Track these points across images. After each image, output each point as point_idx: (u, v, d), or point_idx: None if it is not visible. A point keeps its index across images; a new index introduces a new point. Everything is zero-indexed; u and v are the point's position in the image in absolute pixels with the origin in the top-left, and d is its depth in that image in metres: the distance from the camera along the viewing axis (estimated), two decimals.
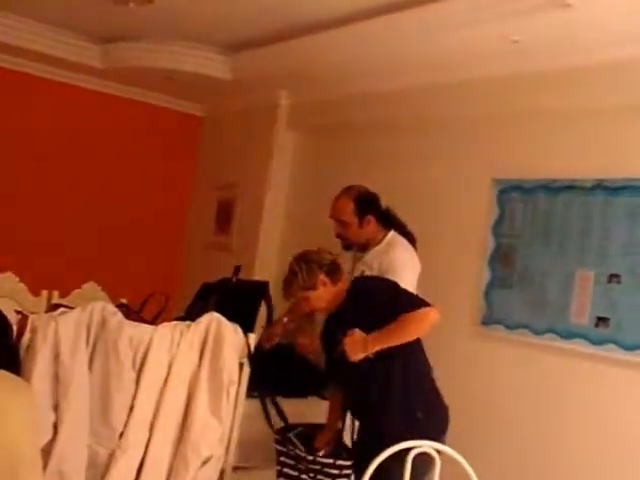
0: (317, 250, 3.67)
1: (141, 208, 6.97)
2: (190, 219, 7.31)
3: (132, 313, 3.80)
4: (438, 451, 2.91)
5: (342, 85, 5.63)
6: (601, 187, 4.25)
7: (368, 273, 4.04)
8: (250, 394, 3.88)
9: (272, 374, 4.04)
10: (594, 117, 4.32)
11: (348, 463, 3.57)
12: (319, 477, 3.53)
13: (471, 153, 4.96)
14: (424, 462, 2.90)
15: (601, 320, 4.14)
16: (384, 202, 4.30)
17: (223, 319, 3.73)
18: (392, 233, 4.21)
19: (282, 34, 5.25)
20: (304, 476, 3.56)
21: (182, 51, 5.90)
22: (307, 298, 3.59)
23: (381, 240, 4.21)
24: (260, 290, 4.42)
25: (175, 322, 3.71)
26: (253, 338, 3.83)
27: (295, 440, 3.68)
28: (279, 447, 3.70)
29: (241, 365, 3.77)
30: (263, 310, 4.38)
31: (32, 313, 3.52)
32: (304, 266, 3.57)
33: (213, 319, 3.71)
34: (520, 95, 4.62)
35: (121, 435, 3.48)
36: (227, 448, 3.77)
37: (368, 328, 3.40)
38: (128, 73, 6.35)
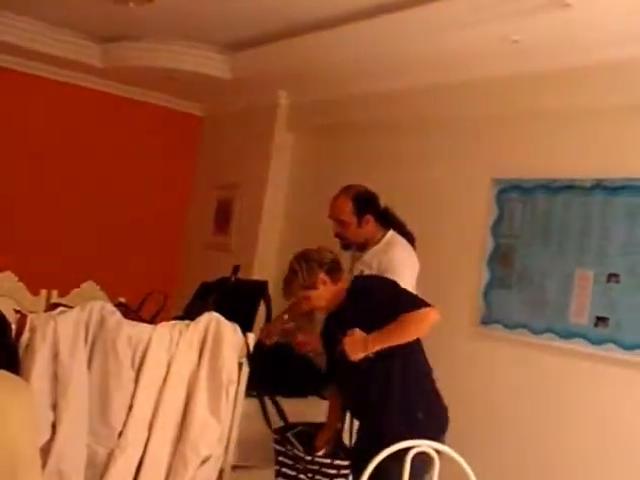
0: (317, 249, 3.67)
1: (140, 207, 6.97)
2: (189, 219, 7.31)
3: (131, 312, 3.80)
4: (437, 451, 2.91)
5: (342, 85, 5.63)
6: (600, 187, 4.25)
7: (367, 272, 4.04)
8: (249, 393, 3.88)
9: (272, 374, 4.04)
10: (593, 117, 4.32)
11: (346, 463, 3.57)
12: (317, 477, 3.53)
13: (471, 153, 4.96)
14: (423, 462, 2.90)
15: (600, 320, 4.13)
16: (384, 202, 4.29)
17: (222, 318, 3.73)
18: (391, 232, 4.21)
19: (282, 33, 5.25)
20: (302, 476, 3.55)
21: (182, 50, 5.89)
22: (307, 297, 3.59)
23: (380, 240, 4.21)
24: (259, 289, 4.42)
25: (174, 321, 3.71)
26: (252, 338, 3.83)
27: (293, 440, 3.68)
28: (277, 447, 3.69)
29: (240, 364, 3.77)
30: (262, 310, 4.38)
31: (31, 312, 3.52)
32: (304, 265, 3.57)
33: (212, 318, 3.71)
34: (520, 95, 4.62)
35: (120, 434, 3.48)
36: (226, 447, 3.77)
37: (368, 327, 3.40)
38: (128, 72, 6.34)
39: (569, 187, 4.39)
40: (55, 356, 3.37)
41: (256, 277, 5.60)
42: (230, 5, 4.95)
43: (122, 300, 4.14)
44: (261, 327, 4.31)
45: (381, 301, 3.51)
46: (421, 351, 3.59)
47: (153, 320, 3.79)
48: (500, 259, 4.68)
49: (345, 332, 3.43)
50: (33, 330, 3.37)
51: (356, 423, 3.77)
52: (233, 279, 4.49)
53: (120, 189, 6.89)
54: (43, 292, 4.66)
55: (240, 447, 3.83)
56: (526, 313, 4.48)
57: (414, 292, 3.75)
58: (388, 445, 2.83)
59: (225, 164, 6.92)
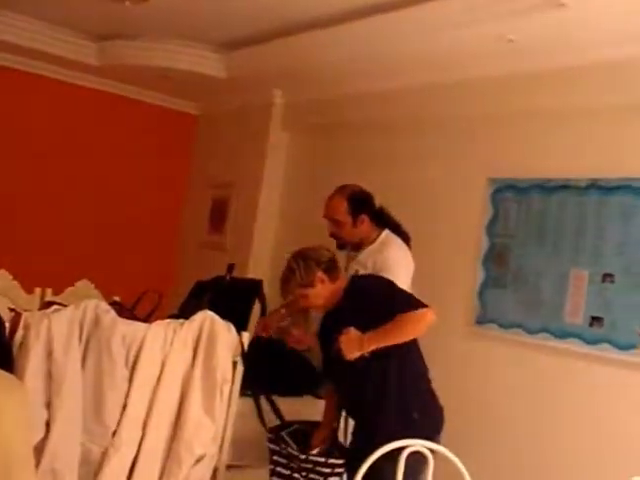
0: (315, 247, 3.67)
1: (135, 206, 6.96)
2: (184, 217, 7.30)
3: (125, 311, 3.80)
4: (432, 450, 2.91)
5: (337, 84, 5.63)
6: (595, 187, 4.25)
7: (362, 272, 4.04)
8: (244, 392, 3.88)
9: (267, 372, 4.04)
10: (588, 117, 4.33)
11: (340, 462, 3.57)
12: (311, 476, 3.53)
13: (466, 153, 4.96)
14: (417, 462, 2.90)
15: (595, 320, 4.14)
16: (379, 201, 4.29)
17: (217, 317, 3.72)
18: (386, 232, 4.21)
19: (277, 32, 5.25)
20: (297, 475, 3.56)
21: (177, 49, 5.89)
22: (305, 295, 3.59)
23: (375, 239, 4.20)
24: (254, 288, 4.42)
25: (168, 320, 3.70)
26: (247, 336, 3.83)
27: (288, 439, 3.68)
28: (272, 446, 3.69)
29: (234, 363, 3.77)
30: (257, 308, 4.38)
31: (25, 310, 3.51)
32: (302, 263, 3.57)
33: (207, 317, 3.71)
34: (515, 95, 4.62)
35: (114, 433, 3.47)
36: (220, 447, 3.77)
37: (364, 327, 3.40)
38: (124, 71, 6.34)
39: (564, 187, 4.39)
40: (49, 354, 3.36)
41: (251, 276, 5.59)
42: (225, 4, 4.94)
43: (117, 299, 4.14)
44: (257, 320, 4.31)
45: (378, 301, 3.51)
46: (417, 351, 3.59)
47: (148, 319, 3.79)
48: (495, 259, 4.68)
49: (341, 331, 3.43)
50: (27, 328, 3.36)
51: (351, 422, 3.77)
52: (228, 278, 4.49)
53: (115, 187, 6.88)
54: (37, 290, 4.65)
55: (234, 446, 3.83)
56: (521, 313, 4.49)
57: (409, 292, 3.75)
58: (383, 445, 2.83)
59: (220, 163, 6.91)
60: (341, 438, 3.81)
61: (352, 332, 3.41)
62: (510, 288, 4.58)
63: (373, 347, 3.39)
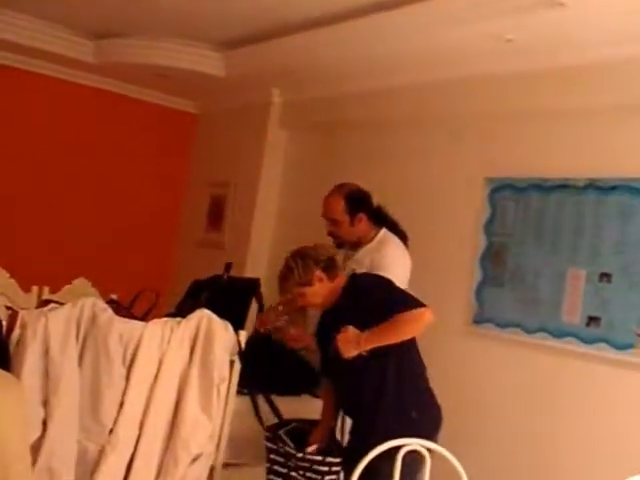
0: (314, 246, 3.68)
1: (134, 204, 6.96)
2: (182, 216, 7.30)
3: (122, 309, 3.79)
4: (429, 449, 2.91)
5: (335, 83, 5.62)
6: (593, 186, 4.25)
7: (359, 271, 4.04)
8: (241, 391, 3.88)
9: (264, 372, 4.04)
10: (587, 116, 4.33)
11: (337, 460, 3.56)
12: (308, 474, 3.53)
13: (464, 151, 4.96)
14: (415, 461, 2.90)
15: (592, 319, 4.14)
16: (377, 200, 4.29)
17: (214, 316, 3.72)
18: (384, 231, 4.21)
19: (277, 31, 5.24)
20: (294, 473, 3.56)
21: (176, 48, 5.88)
22: (303, 294, 3.60)
23: (373, 238, 4.21)
24: (251, 287, 4.42)
25: (166, 319, 3.70)
26: (244, 335, 3.83)
27: (285, 437, 3.68)
28: (269, 444, 3.69)
29: (232, 362, 3.77)
30: (254, 307, 4.37)
31: (22, 309, 3.51)
32: (300, 262, 3.58)
33: (204, 316, 3.71)
34: (513, 94, 4.62)
35: (111, 431, 3.47)
36: (217, 445, 3.77)
37: (363, 325, 3.41)
38: (122, 69, 6.33)
39: (562, 186, 4.39)
40: (46, 353, 3.36)
41: (248, 275, 5.59)
42: (225, 3, 4.94)
43: (114, 297, 4.13)
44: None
45: (376, 299, 3.51)
46: (416, 350, 3.59)
47: (145, 317, 3.79)
48: (493, 258, 4.68)
49: (340, 329, 3.44)
50: (24, 326, 3.36)
51: (348, 421, 3.77)
52: (225, 277, 4.48)
53: (113, 186, 6.87)
54: (34, 288, 4.64)
55: (231, 445, 3.83)
56: (518, 312, 4.49)
57: (408, 291, 3.75)
58: (380, 444, 2.83)
59: (219, 161, 6.91)
60: (338, 437, 3.81)
61: (350, 330, 3.41)
62: (507, 287, 4.58)
63: (371, 346, 3.39)
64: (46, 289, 4.59)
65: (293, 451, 3.58)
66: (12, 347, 3.34)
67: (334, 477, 3.57)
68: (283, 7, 4.87)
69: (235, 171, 6.63)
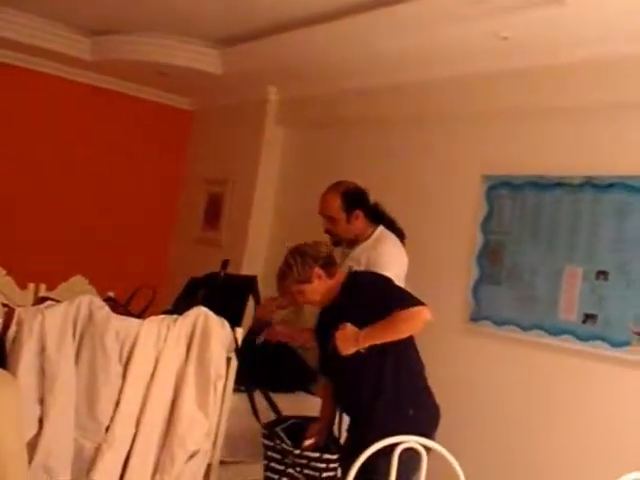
0: (313, 243, 3.68)
1: (130, 202, 6.95)
2: (179, 213, 7.29)
3: (119, 307, 3.80)
4: (426, 447, 2.91)
5: (332, 81, 5.62)
6: (590, 184, 4.25)
7: (356, 268, 4.04)
8: (237, 388, 3.88)
9: (260, 369, 4.04)
10: (584, 114, 4.32)
11: (335, 457, 3.57)
12: (306, 471, 3.53)
13: (461, 149, 4.96)
14: (412, 458, 2.90)
15: (589, 317, 4.14)
16: (374, 198, 4.29)
17: (210, 313, 3.72)
18: (380, 228, 4.21)
19: (274, 28, 5.24)
20: (291, 470, 3.56)
21: (173, 45, 5.87)
22: (302, 291, 3.60)
23: (370, 235, 4.20)
24: (248, 284, 4.42)
25: (162, 316, 3.70)
26: (240, 332, 3.83)
27: (282, 434, 3.68)
28: (266, 441, 3.69)
29: (228, 359, 3.77)
30: (251, 304, 4.37)
31: (19, 306, 3.51)
32: (299, 259, 3.58)
33: (200, 313, 3.71)
34: (510, 92, 4.62)
35: (107, 429, 3.47)
36: (214, 442, 3.77)
37: (361, 323, 3.41)
38: (119, 67, 6.32)
39: (559, 184, 4.39)
40: (42, 350, 3.36)
41: (245, 272, 5.59)
42: (222, 1, 4.93)
43: (111, 294, 4.12)
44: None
45: (375, 297, 3.52)
46: (414, 348, 3.60)
47: (142, 315, 3.79)
48: (489, 255, 4.68)
49: (338, 327, 3.44)
50: (20, 324, 3.36)
51: (346, 418, 3.78)
52: (222, 274, 4.48)
53: (110, 183, 6.86)
54: (31, 286, 4.63)
55: (228, 442, 3.83)
56: (515, 310, 4.48)
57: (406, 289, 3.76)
58: (377, 441, 2.83)
59: (216, 159, 6.90)
60: (336, 433, 3.81)
61: (348, 328, 3.41)
62: (504, 285, 4.58)
63: (369, 343, 3.40)
64: (43, 286, 4.57)
65: (290, 448, 3.58)
66: (8, 344, 3.34)
67: (331, 474, 3.57)
68: (280, 4, 4.86)
69: (232, 168, 6.63)
